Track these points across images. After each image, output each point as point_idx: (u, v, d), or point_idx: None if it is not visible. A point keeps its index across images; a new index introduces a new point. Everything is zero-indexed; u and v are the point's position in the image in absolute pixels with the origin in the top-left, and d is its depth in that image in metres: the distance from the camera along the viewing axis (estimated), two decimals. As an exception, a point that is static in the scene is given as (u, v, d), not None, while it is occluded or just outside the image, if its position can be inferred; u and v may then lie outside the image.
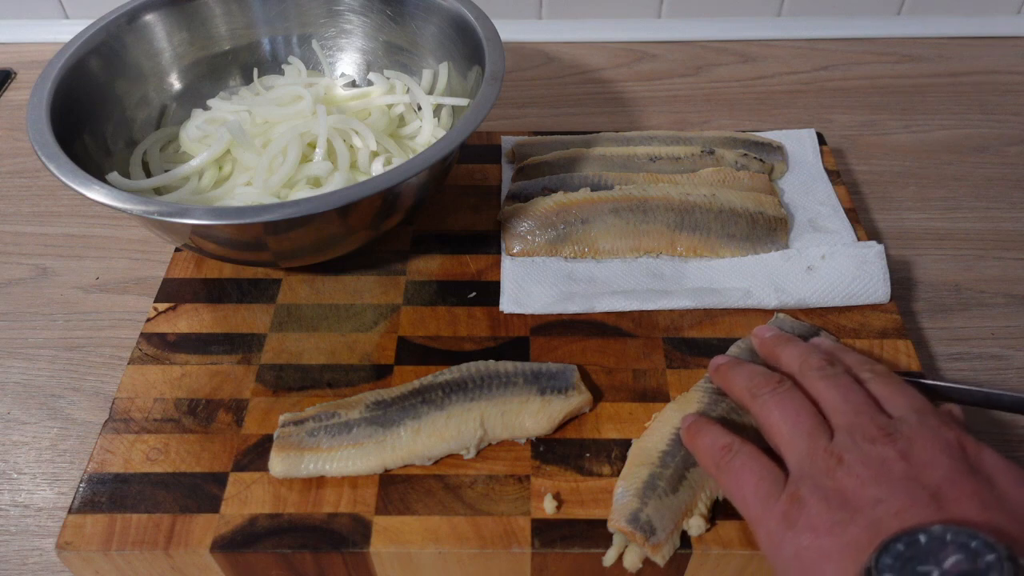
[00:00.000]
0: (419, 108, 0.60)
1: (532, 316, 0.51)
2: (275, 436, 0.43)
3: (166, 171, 0.55)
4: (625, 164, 0.60)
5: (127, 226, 0.63)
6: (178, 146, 0.58)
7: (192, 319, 0.51)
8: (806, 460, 0.35)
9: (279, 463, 0.42)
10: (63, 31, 0.81)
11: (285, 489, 0.42)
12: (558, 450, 0.44)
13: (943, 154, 0.70)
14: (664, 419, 0.44)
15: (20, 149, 0.72)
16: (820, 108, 0.75)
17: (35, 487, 0.48)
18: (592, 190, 0.56)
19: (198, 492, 0.42)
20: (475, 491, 0.42)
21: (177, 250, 0.56)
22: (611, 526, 0.40)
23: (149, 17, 0.57)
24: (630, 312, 0.51)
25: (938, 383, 0.43)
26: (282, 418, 0.44)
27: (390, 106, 0.60)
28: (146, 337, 0.50)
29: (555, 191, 0.57)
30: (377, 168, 0.55)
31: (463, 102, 0.56)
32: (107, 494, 0.42)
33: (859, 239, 0.55)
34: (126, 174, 0.55)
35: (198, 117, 0.59)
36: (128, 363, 0.48)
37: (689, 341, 0.49)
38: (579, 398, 0.45)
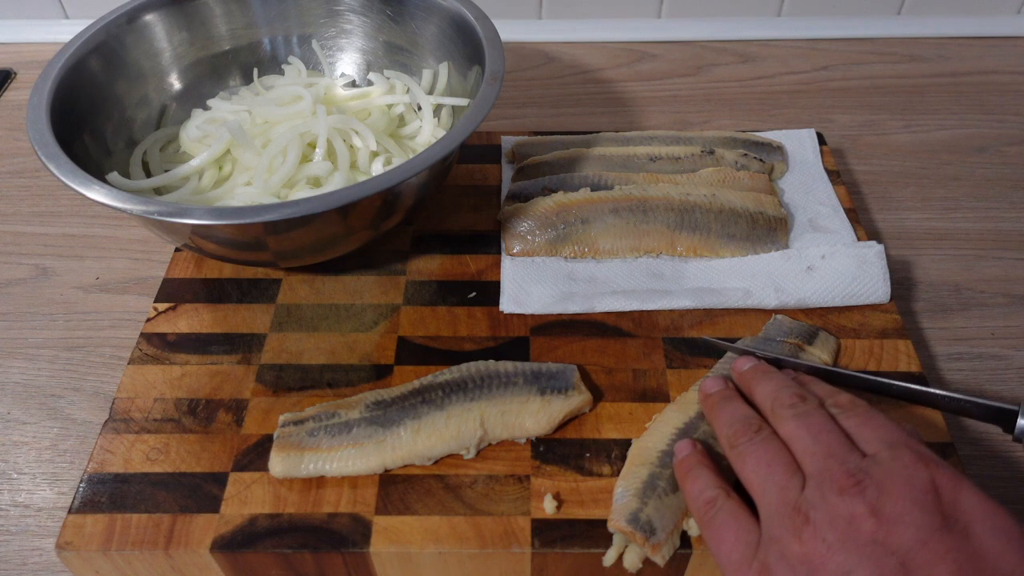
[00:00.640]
0: (419, 108, 0.60)
1: (532, 316, 0.51)
2: (275, 436, 0.43)
3: (166, 171, 0.55)
4: (625, 164, 0.60)
5: (127, 226, 0.63)
6: (178, 146, 0.58)
7: (192, 319, 0.51)
8: (775, 518, 0.34)
9: (279, 463, 0.42)
10: (63, 31, 0.81)
11: (285, 489, 0.42)
12: (558, 450, 0.44)
13: (943, 154, 0.70)
14: (664, 419, 0.44)
15: (20, 149, 0.72)
16: (820, 108, 0.75)
17: (35, 487, 0.48)
18: (592, 190, 0.56)
19: (198, 492, 0.42)
20: (475, 491, 0.42)
21: (177, 250, 0.56)
22: (611, 526, 0.40)
23: (149, 17, 0.58)
24: (630, 312, 0.51)
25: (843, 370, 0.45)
26: (282, 418, 0.44)
27: (390, 106, 0.60)
28: (146, 337, 0.50)
29: (555, 191, 0.57)
30: (377, 168, 0.55)
31: (463, 102, 0.56)
32: (107, 494, 0.42)
33: (859, 239, 0.55)
34: (126, 174, 0.55)
35: (198, 117, 0.59)
36: (128, 363, 0.48)
37: (689, 341, 0.49)
38: (579, 398, 0.45)
